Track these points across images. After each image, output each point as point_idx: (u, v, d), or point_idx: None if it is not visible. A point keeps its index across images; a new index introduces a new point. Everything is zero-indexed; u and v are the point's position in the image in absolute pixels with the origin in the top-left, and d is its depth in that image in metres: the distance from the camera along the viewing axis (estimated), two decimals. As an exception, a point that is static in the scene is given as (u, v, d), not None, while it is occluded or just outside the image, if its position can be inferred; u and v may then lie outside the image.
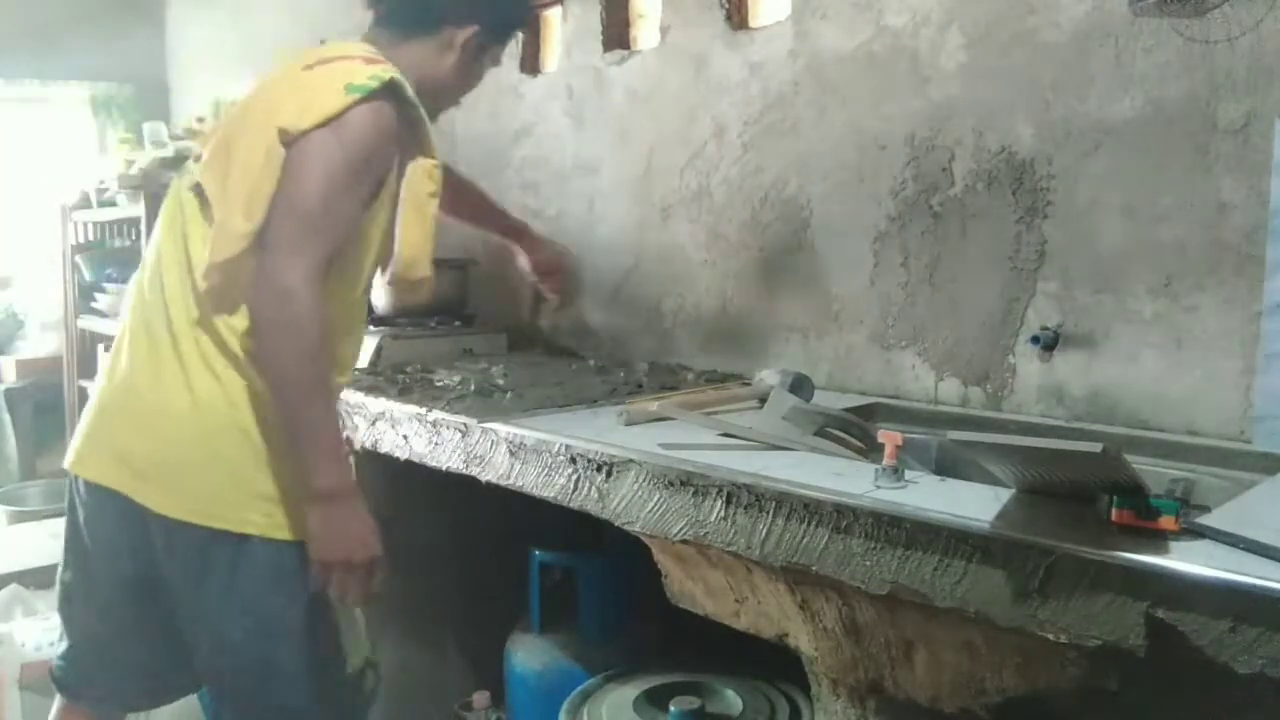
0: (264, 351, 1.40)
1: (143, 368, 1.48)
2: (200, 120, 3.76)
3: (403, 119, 1.50)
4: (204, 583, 1.46)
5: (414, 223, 1.52)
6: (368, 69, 1.47)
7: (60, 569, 1.59)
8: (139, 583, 1.51)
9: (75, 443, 1.55)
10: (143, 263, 1.59)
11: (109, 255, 3.81)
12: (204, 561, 1.45)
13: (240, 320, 1.44)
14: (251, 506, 1.46)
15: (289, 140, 1.40)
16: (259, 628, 1.47)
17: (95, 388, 1.58)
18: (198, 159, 1.54)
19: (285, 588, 1.48)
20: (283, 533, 1.47)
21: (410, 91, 1.51)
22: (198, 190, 1.50)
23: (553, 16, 2.94)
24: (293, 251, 1.38)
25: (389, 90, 1.46)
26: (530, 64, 2.99)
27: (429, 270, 1.57)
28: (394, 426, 2.07)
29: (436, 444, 1.95)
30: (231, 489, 1.45)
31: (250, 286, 1.40)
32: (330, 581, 1.43)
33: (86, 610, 1.57)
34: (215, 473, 1.45)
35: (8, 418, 4.06)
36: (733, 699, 1.86)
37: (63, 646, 1.61)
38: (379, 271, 1.61)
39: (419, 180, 1.52)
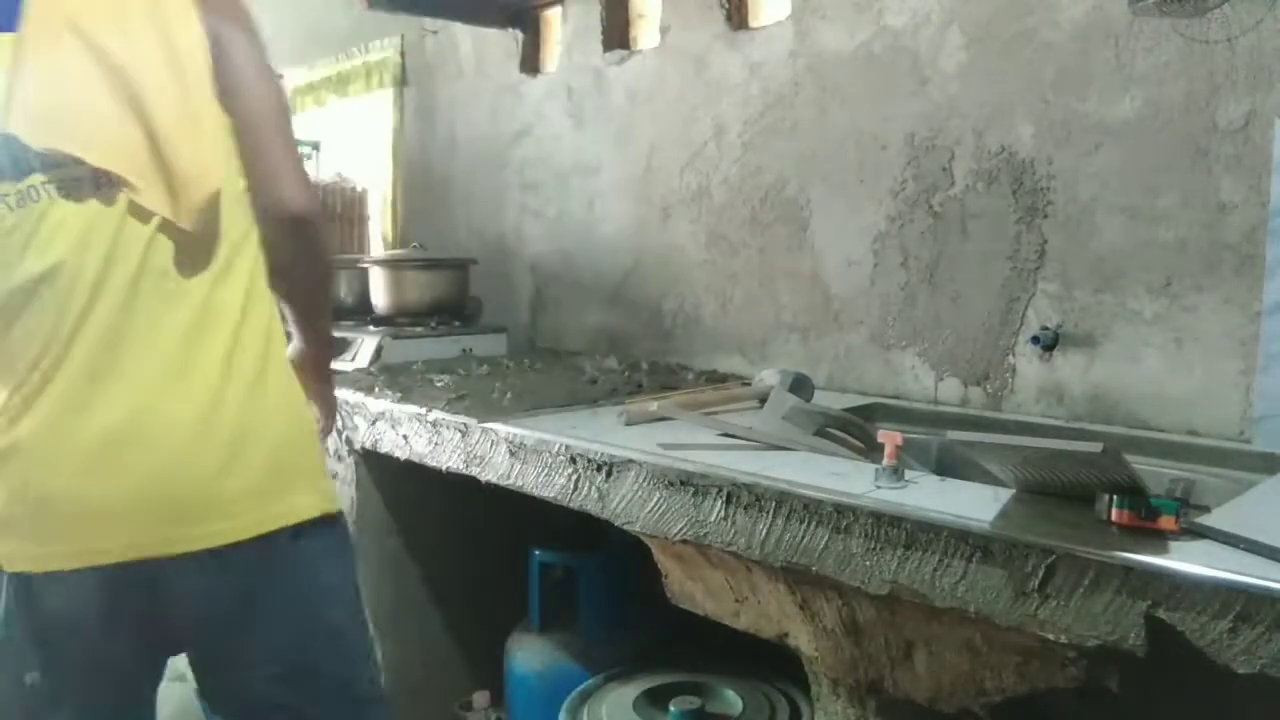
0: (301, 263, 1.34)
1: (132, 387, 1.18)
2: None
3: None
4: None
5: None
6: None
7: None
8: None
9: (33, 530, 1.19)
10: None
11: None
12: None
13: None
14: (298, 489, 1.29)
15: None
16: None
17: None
18: None
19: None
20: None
21: None
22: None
23: (553, 16, 2.94)
24: (296, 166, 1.32)
25: None
26: (530, 64, 2.99)
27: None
28: (394, 426, 2.07)
29: (436, 444, 1.95)
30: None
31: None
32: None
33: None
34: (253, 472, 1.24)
35: (8, 418, 4.05)
36: (733, 699, 1.86)
37: None
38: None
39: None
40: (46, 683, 1.21)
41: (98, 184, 1.16)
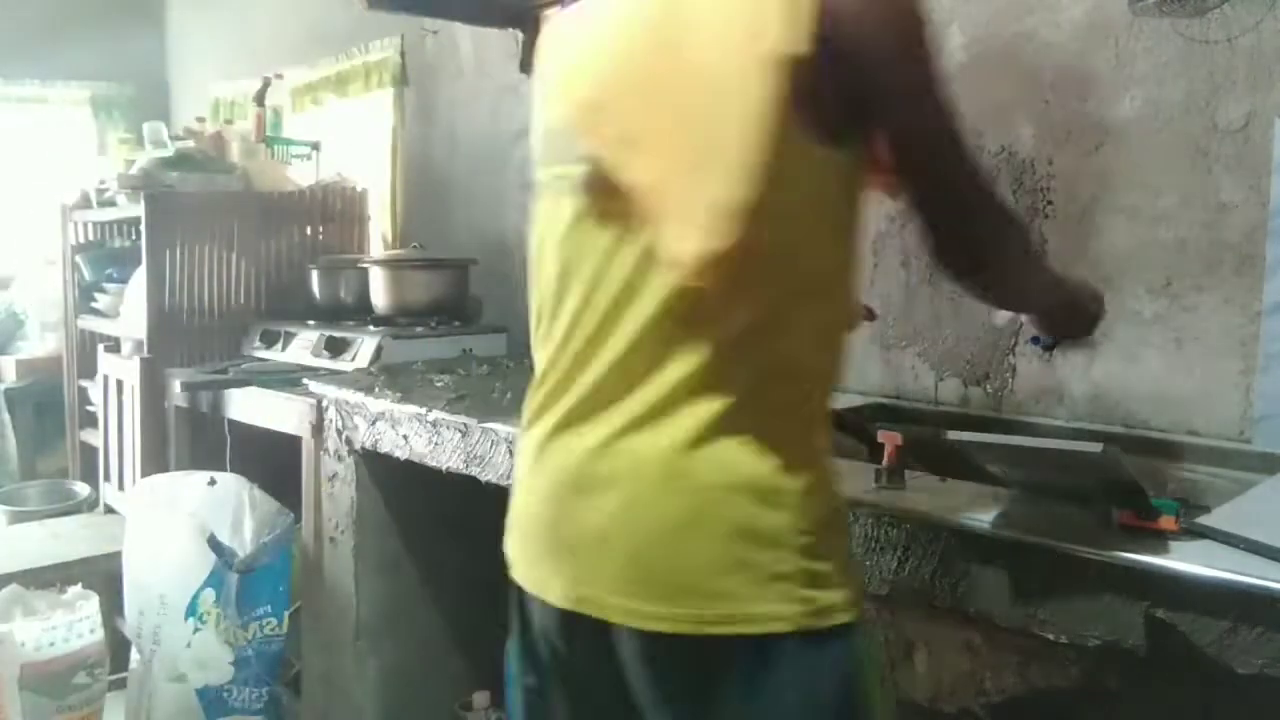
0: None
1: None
2: (200, 120, 3.75)
3: None
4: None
5: None
6: None
7: None
8: None
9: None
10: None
11: (109, 255, 3.80)
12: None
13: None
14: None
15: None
16: None
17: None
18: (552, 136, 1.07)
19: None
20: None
21: None
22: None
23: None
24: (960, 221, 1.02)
25: None
26: (530, 64, 2.99)
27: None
28: (394, 426, 2.07)
29: (436, 444, 1.95)
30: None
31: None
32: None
33: None
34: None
35: (8, 418, 4.05)
36: (733, 699, 1.85)
37: None
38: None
39: None
40: (539, 690, 1.13)
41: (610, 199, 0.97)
